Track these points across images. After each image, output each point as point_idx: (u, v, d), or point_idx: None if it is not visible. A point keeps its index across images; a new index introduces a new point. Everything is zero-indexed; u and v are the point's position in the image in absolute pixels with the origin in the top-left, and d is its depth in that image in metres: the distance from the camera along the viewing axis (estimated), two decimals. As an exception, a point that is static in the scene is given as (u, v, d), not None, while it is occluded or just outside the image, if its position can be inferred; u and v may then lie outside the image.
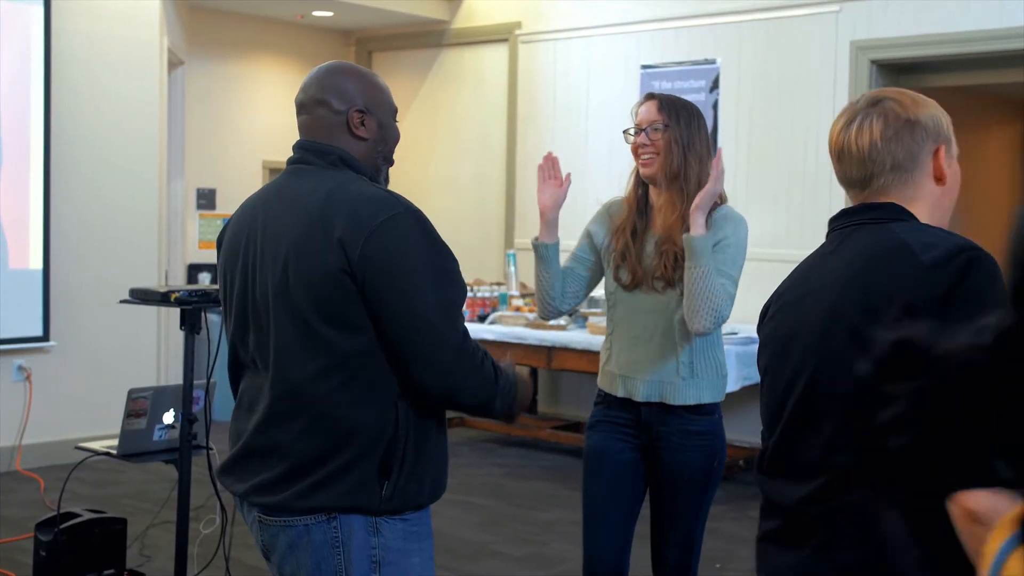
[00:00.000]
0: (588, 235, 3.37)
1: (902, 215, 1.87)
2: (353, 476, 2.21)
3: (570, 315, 6.88)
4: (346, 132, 2.35)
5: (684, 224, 3.11)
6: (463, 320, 2.29)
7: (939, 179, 1.90)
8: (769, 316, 2.05)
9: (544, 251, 3.27)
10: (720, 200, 3.22)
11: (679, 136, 3.18)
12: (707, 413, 3.20)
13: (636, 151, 3.23)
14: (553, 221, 3.26)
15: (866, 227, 1.88)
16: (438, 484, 2.34)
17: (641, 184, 3.28)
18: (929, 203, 1.91)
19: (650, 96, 3.28)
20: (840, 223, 1.95)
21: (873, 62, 6.58)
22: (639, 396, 3.20)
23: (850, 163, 1.90)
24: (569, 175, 3.30)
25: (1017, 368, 0.76)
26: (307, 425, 2.22)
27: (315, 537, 2.23)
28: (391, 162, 2.45)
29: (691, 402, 3.18)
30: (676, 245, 3.13)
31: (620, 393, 3.24)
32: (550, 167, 3.28)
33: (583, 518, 3.29)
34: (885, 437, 0.87)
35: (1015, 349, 0.77)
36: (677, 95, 3.35)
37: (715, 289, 3.03)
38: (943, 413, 0.82)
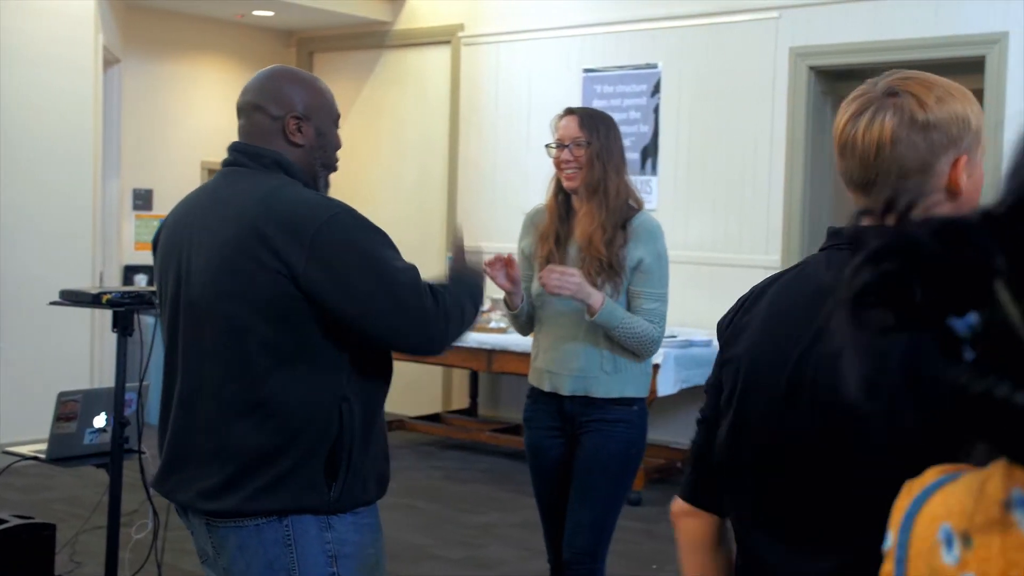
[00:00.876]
0: (522, 253, 3.55)
1: None
2: (301, 478, 2.22)
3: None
4: (282, 138, 2.36)
5: (604, 233, 3.30)
6: (424, 283, 2.29)
7: (953, 192, 1.56)
8: (753, 340, 1.65)
9: (519, 312, 3.46)
10: (637, 205, 3.41)
11: (599, 151, 3.35)
12: (627, 404, 3.36)
13: (559, 165, 3.40)
14: (517, 293, 3.42)
15: None
16: (383, 480, 2.37)
17: (561, 191, 3.44)
18: None
19: (570, 111, 3.47)
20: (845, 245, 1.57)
21: (811, 68, 6.65)
22: (565, 390, 3.36)
23: (853, 161, 1.58)
24: (511, 255, 3.40)
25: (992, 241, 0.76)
26: (255, 423, 2.22)
27: (266, 536, 2.24)
28: (332, 168, 2.46)
29: (614, 395, 3.34)
30: (598, 252, 3.30)
31: (547, 388, 3.41)
32: (498, 263, 3.39)
33: (538, 510, 3.51)
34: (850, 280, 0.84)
35: (996, 224, 0.77)
36: (596, 109, 3.56)
37: (642, 331, 3.29)
38: (913, 251, 0.80)
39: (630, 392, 3.35)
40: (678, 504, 1.76)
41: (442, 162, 8.39)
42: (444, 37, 8.29)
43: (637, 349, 3.31)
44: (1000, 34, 5.97)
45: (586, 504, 3.32)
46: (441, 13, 8.29)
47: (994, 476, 0.81)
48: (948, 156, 1.55)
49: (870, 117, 1.56)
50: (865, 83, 1.61)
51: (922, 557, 0.85)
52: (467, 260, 2.52)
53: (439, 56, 8.39)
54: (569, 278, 3.21)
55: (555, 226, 3.42)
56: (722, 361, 1.69)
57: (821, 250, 1.66)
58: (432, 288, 2.30)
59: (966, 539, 0.81)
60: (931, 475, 0.87)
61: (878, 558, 1.42)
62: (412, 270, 2.30)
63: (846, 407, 1.42)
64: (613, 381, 3.33)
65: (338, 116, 2.45)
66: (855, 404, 0.94)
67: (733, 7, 6.89)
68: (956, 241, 0.78)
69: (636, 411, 3.37)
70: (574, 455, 3.37)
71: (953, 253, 0.78)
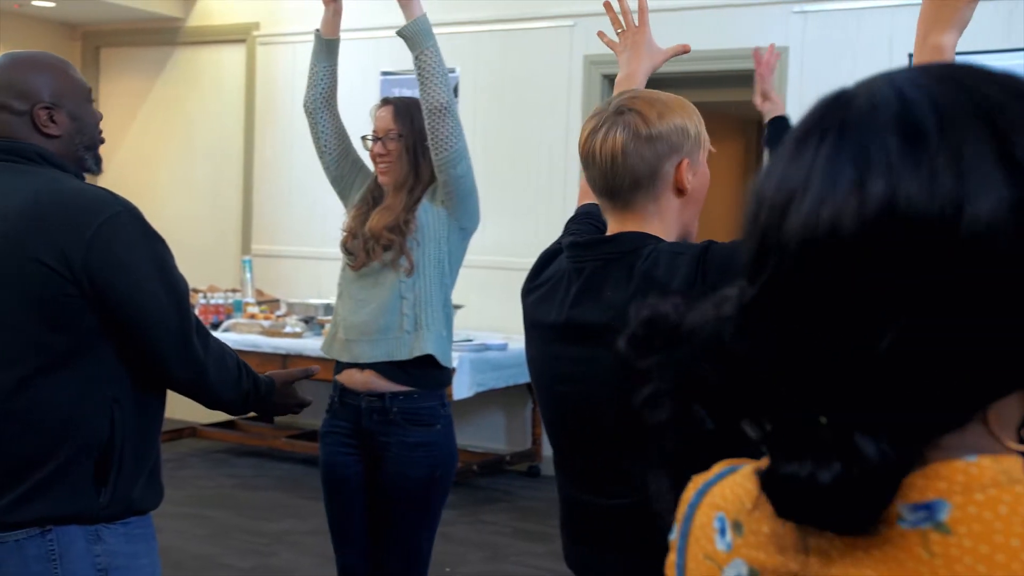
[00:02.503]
0: (361, 163, 3.44)
1: (639, 241, 1.83)
2: (68, 483, 2.11)
3: (306, 323, 6.77)
4: (35, 131, 2.21)
5: (395, 222, 3.18)
6: (193, 313, 2.25)
7: (680, 191, 1.86)
8: (542, 325, 1.95)
9: (323, 43, 3.33)
10: None
11: (410, 145, 3.22)
12: (427, 424, 3.18)
13: (374, 159, 3.28)
14: (337, 10, 3.32)
15: (609, 264, 1.83)
16: (158, 489, 2.27)
17: (377, 184, 3.33)
18: (672, 216, 1.87)
19: (386, 101, 3.32)
20: (578, 256, 1.89)
21: (605, 76, 6.79)
22: (366, 357, 3.18)
23: (595, 171, 1.86)
24: None
25: (758, 341, 0.78)
26: (19, 429, 2.10)
27: (28, 552, 2.10)
28: (96, 146, 2.32)
29: (416, 354, 3.15)
30: (385, 239, 3.17)
31: (346, 359, 3.23)
32: None
33: (329, 526, 3.32)
34: (643, 414, 0.89)
35: (756, 321, 0.79)
36: (415, 98, 3.33)
37: (444, 65, 3.17)
38: (693, 384, 0.83)
39: (431, 350, 3.14)
40: None
41: (237, 162, 8.20)
42: (239, 36, 8.12)
43: (438, 86, 3.12)
44: (780, 48, 6.23)
45: (396, 532, 3.16)
46: (235, 11, 8.11)
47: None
48: (672, 161, 1.84)
49: (604, 133, 1.84)
50: (603, 102, 1.91)
51: (699, 544, 0.87)
52: (281, 389, 2.44)
53: (234, 55, 8.21)
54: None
55: (367, 209, 3.29)
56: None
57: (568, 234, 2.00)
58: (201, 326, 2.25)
59: (737, 527, 0.83)
60: (716, 468, 0.89)
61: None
62: (185, 282, 2.24)
63: (590, 381, 1.82)
64: (415, 340, 3.14)
65: (89, 90, 2.31)
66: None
67: (529, 14, 6.98)
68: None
69: (438, 431, 3.18)
70: (374, 476, 3.20)
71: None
